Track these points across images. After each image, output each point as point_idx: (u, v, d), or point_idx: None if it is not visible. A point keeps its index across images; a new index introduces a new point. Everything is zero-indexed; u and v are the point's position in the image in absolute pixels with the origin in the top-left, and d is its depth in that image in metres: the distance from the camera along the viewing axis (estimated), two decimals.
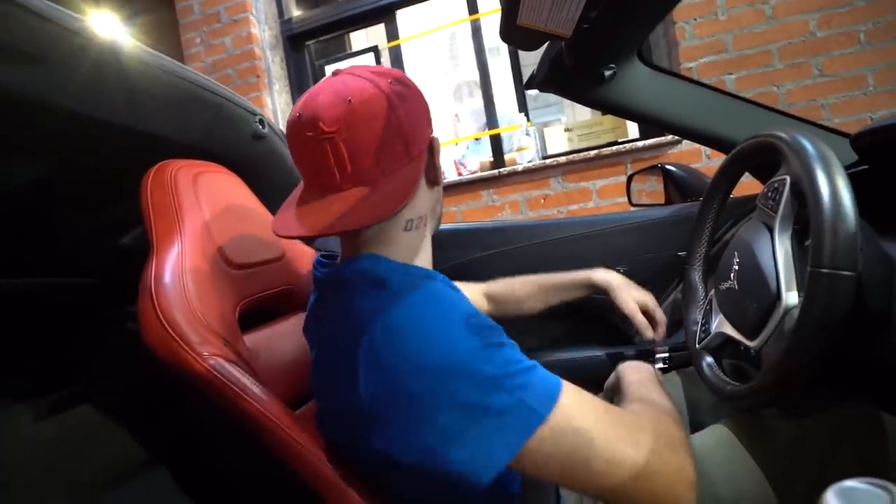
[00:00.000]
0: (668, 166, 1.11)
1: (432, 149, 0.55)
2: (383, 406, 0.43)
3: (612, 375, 0.66)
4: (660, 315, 0.78)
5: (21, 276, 0.79)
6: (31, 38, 0.49)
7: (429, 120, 0.55)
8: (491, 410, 0.41)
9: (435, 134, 0.57)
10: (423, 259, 0.58)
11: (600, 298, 0.81)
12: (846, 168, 0.66)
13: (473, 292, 0.87)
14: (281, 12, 2.56)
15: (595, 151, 2.04)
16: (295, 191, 0.56)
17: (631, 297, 0.77)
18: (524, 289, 0.86)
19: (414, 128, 0.51)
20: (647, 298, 0.78)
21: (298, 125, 0.49)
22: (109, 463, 0.82)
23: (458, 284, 0.85)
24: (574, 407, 0.43)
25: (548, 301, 0.84)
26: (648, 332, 0.75)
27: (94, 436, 0.84)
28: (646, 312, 0.77)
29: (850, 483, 0.27)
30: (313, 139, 0.48)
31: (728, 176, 0.72)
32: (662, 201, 1.10)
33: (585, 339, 0.99)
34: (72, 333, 0.87)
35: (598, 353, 0.96)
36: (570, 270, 0.84)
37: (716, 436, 0.59)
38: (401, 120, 0.49)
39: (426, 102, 0.56)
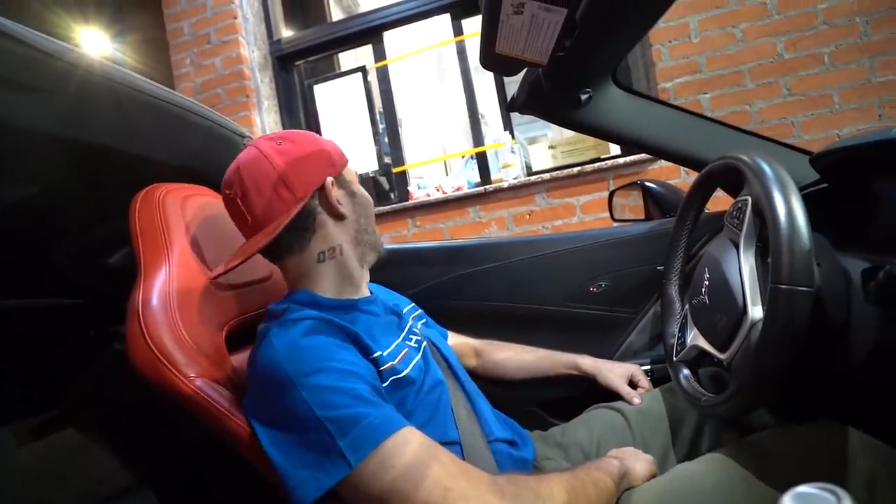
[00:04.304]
0: (647, 183, 1.14)
1: (324, 188, 0.62)
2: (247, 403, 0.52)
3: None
4: (644, 382, 0.83)
5: (7, 296, 0.79)
6: (7, 63, 0.49)
7: (321, 165, 0.63)
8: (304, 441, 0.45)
9: (345, 170, 0.66)
10: (353, 283, 0.65)
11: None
12: (808, 186, 0.71)
13: (463, 346, 0.92)
14: (270, 34, 2.59)
15: (578, 168, 2.09)
16: None
17: (616, 374, 0.82)
18: (504, 351, 0.91)
19: (298, 175, 0.60)
20: (634, 369, 0.84)
21: (222, 189, 0.62)
22: (93, 486, 0.81)
23: (451, 335, 0.91)
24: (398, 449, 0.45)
25: (529, 368, 0.88)
26: (636, 399, 0.78)
27: (79, 459, 0.82)
28: (633, 382, 0.83)
29: (803, 488, 0.29)
30: (225, 199, 0.62)
31: (699, 194, 0.75)
32: (643, 216, 1.13)
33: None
34: (58, 354, 0.86)
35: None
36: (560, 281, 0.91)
37: (713, 463, 0.56)
38: (282, 173, 0.59)
39: (319, 149, 0.63)
